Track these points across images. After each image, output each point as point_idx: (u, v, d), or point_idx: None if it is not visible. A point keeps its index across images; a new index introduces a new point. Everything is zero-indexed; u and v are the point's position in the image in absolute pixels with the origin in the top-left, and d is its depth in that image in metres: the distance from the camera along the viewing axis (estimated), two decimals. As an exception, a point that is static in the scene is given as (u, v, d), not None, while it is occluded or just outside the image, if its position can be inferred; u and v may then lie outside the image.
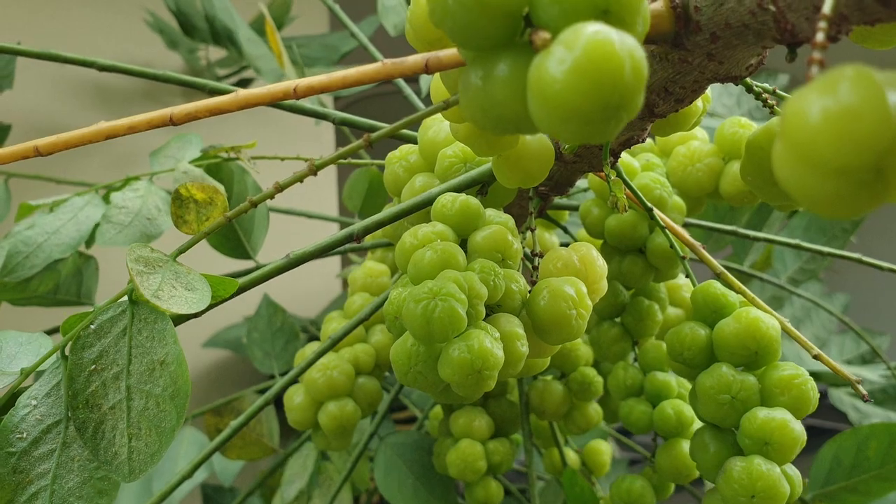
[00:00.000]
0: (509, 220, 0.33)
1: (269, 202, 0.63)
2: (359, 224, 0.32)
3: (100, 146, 0.98)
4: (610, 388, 0.47)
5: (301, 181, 0.25)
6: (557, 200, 0.51)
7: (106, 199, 0.50)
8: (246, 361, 1.11)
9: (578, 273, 0.33)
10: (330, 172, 1.25)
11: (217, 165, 0.52)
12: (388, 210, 0.33)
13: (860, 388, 0.34)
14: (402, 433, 0.55)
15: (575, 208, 0.50)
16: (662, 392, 0.44)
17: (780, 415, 0.32)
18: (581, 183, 0.53)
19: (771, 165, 0.25)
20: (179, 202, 0.27)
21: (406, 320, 0.28)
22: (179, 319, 0.32)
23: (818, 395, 0.34)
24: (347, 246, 0.56)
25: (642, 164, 0.46)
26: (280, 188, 0.26)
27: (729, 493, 0.32)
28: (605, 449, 0.59)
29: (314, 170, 0.24)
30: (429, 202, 0.33)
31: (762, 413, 0.33)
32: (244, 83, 1.12)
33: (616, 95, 0.16)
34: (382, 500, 1.20)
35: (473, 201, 0.32)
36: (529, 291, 0.32)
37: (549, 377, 0.52)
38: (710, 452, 0.35)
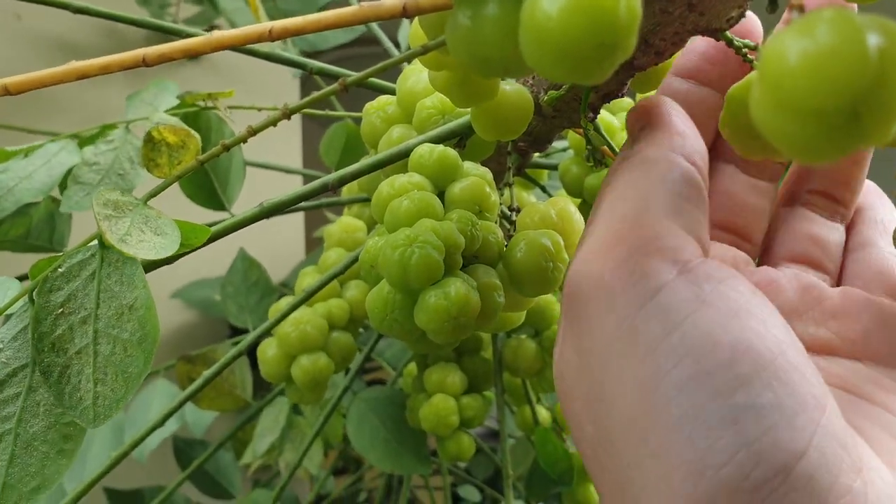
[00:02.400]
0: (487, 172, 0.33)
1: (245, 157, 0.63)
2: (334, 174, 0.32)
3: (75, 103, 0.96)
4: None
5: (275, 125, 0.24)
6: (536, 159, 0.51)
7: (81, 146, 0.49)
8: (221, 322, 1.10)
9: (555, 227, 0.33)
10: (295, 129, 1.24)
11: (195, 114, 0.51)
12: (365, 161, 0.33)
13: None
14: (376, 388, 0.56)
15: (554, 167, 0.50)
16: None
17: None
18: (561, 144, 0.52)
19: (749, 120, 0.25)
20: (151, 145, 0.27)
21: (382, 267, 0.28)
22: (151, 266, 0.31)
23: None
24: (324, 200, 0.56)
25: (622, 123, 0.46)
26: (253, 131, 0.25)
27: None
28: (576, 407, 0.60)
29: (287, 114, 0.24)
30: (406, 153, 0.33)
31: None
32: (214, 27, 1.10)
33: (611, 33, 0.16)
34: (349, 455, 1.21)
35: (451, 152, 0.31)
36: (506, 245, 0.32)
37: (523, 335, 0.52)
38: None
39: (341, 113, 0.56)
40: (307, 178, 1.11)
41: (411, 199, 0.29)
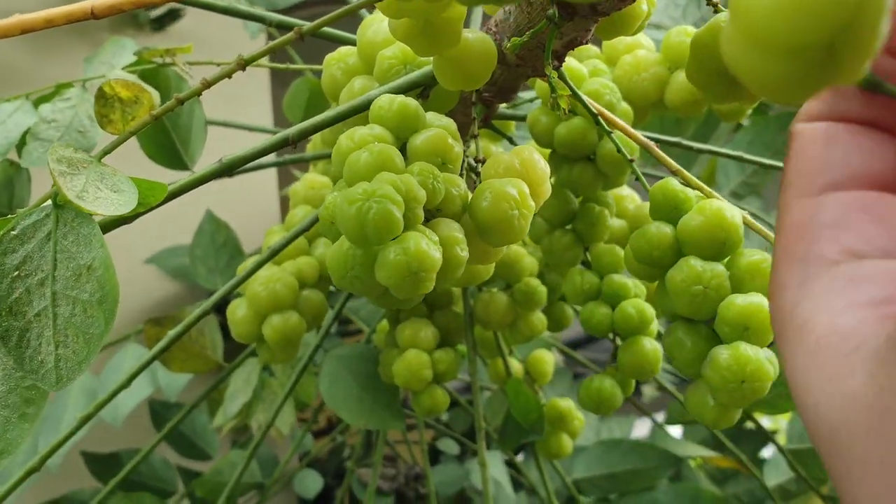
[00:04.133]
0: (451, 123, 0.32)
1: (208, 116, 0.61)
2: (294, 128, 0.31)
3: (32, 76, 0.93)
4: (566, 293, 0.47)
5: (229, 77, 0.24)
6: (503, 110, 0.50)
7: (36, 105, 0.48)
8: (199, 290, 1.09)
9: (521, 176, 0.32)
10: (264, 90, 1.22)
11: (153, 71, 0.50)
12: (325, 113, 0.32)
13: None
14: (348, 346, 0.55)
15: (522, 118, 0.49)
16: (621, 293, 0.45)
17: (756, 299, 0.33)
18: (528, 94, 0.52)
19: (716, 63, 0.25)
20: (104, 101, 0.26)
21: (340, 223, 0.27)
22: (109, 226, 0.31)
23: None
24: (288, 157, 0.55)
25: (590, 70, 0.45)
26: (208, 84, 0.24)
27: (718, 381, 0.33)
28: (547, 358, 0.60)
29: (243, 64, 0.23)
30: (367, 105, 0.32)
31: (739, 299, 0.33)
32: (174, 14, 1.07)
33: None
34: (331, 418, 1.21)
35: (412, 103, 0.31)
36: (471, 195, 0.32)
37: (494, 289, 0.52)
38: (687, 347, 0.35)
39: (302, 66, 0.55)
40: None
41: (370, 151, 0.29)
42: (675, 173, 0.37)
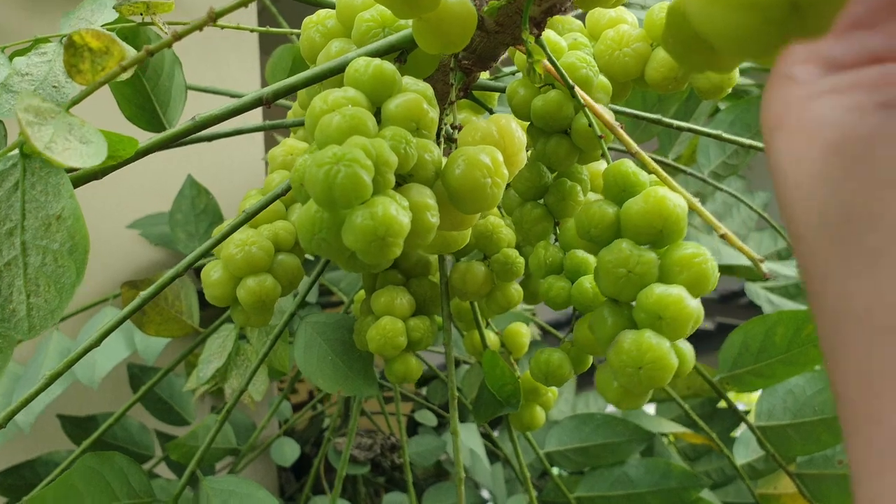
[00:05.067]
0: (427, 88, 0.32)
1: (195, 83, 0.61)
2: (269, 88, 0.31)
3: (17, 28, 0.92)
4: (531, 266, 0.47)
5: (200, 29, 0.24)
6: (485, 81, 0.50)
7: (11, 59, 0.48)
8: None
9: (497, 143, 0.32)
10: (252, 58, 1.21)
11: (132, 30, 0.49)
12: (301, 74, 0.32)
13: (762, 266, 0.35)
14: (323, 313, 0.55)
15: (503, 90, 0.49)
16: (581, 268, 0.45)
17: (676, 291, 0.33)
18: (512, 67, 0.52)
19: (691, 31, 0.25)
20: (73, 50, 0.26)
21: (309, 186, 0.27)
22: (79, 181, 0.31)
23: (717, 276, 0.34)
24: (268, 123, 0.55)
25: (570, 44, 0.45)
26: (178, 36, 0.24)
27: (618, 364, 0.33)
28: (524, 331, 0.60)
29: (213, 17, 0.23)
30: (344, 67, 0.32)
31: (658, 288, 0.33)
32: None
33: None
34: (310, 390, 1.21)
35: (388, 66, 0.31)
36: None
37: (471, 259, 0.53)
38: (607, 325, 0.35)
39: (285, 30, 0.54)
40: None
41: (342, 114, 0.29)
42: (633, 155, 0.37)
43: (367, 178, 0.27)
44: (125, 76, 0.43)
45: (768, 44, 0.15)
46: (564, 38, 0.45)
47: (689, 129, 0.54)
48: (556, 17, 0.49)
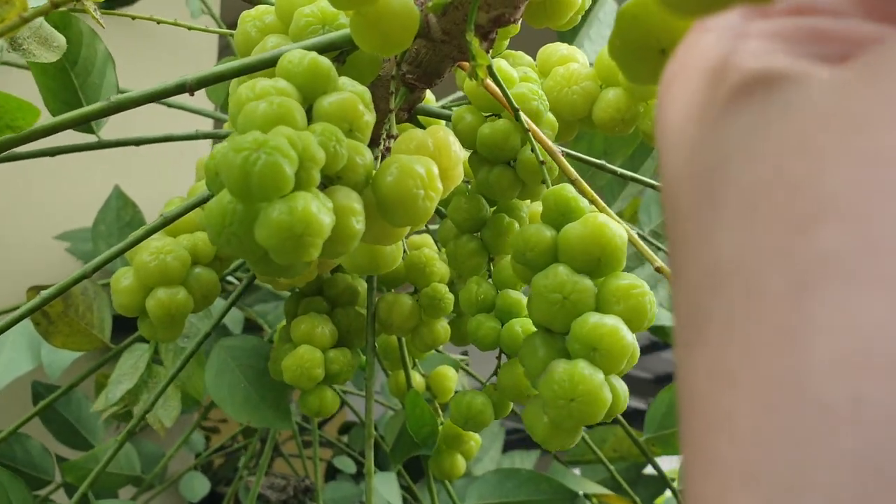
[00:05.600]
0: (365, 91, 0.30)
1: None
2: (193, 75, 0.29)
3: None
4: (461, 302, 0.45)
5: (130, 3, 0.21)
6: (430, 107, 0.49)
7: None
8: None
9: (432, 155, 0.31)
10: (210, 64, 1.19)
11: (66, 19, 0.47)
12: (229, 63, 0.30)
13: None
14: (240, 337, 0.53)
15: (448, 118, 0.48)
16: (513, 310, 0.43)
17: (612, 322, 0.31)
18: (458, 94, 0.51)
19: (640, 38, 0.24)
20: (-31, -4, 0.23)
21: (223, 172, 0.25)
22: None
23: (656, 310, 0.33)
24: (201, 132, 0.53)
25: (521, 76, 0.44)
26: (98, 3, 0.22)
27: (549, 395, 0.31)
28: (451, 375, 0.58)
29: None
30: (277, 60, 0.30)
31: (593, 318, 0.31)
32: None
33: None
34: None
35: (324, 60, 0.29)
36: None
37: (400, 292, 0.51)
38: (538, 356, 0.33)
39: (223, 31, 0.52)
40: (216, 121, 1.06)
41: (270, 102, 0.26)
42: (573, 182, 0.36)
43: (288, 169, 0.25)
44: (51, 57, 0.41)
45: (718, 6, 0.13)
46: (516, 70, 0.44)
47: (633, 179, 0.53)
48: (507, 52, 0.48)
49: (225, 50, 1.30)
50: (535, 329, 0.41)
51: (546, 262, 0.34)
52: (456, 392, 0.75)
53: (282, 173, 0.25)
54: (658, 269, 0.33)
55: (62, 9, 0.42)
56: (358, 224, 0.28)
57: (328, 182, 0.28)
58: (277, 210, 0.25)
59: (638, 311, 0.32)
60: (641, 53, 0.23)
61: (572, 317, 0.32)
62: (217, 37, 1.20)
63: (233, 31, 0.53)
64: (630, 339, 0.31)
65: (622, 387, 0.32)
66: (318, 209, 0.25)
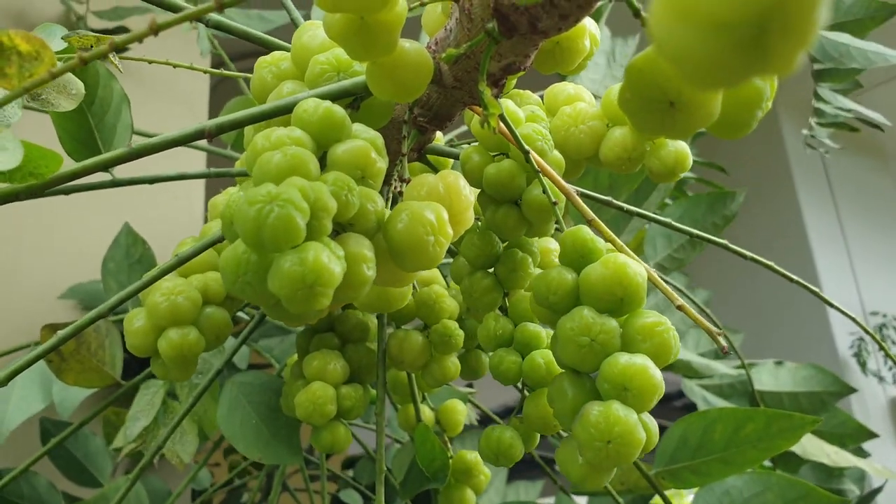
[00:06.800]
0: (378, 137, 0.31)
1: (143, 129, 0.59)
2: (212, 121, 0.30)
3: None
4: (480, 338, 0.46)
5: (141, 41, 0.22)
6: (439, 146, 0.50)
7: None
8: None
9: (443, 200, 0.31)
10: (202, 105, 1.21)
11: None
12: (247, 110, 0.31)
13: (720, 340, 0.34)
14: (251, 373, 0.53)
15: (457, 157, 0.49)
16: (532, 342, 0.43)
17: (641, 361, 0.32)
18: (463, 127, 0.51)
19: (649, 90, 0.25)
20: (0, 52, 0.24)
21: (238, 224, 0.25)
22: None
23: (679, 346, 0.33)
24: (213, 171, 0.53)
25: (527, 115, 0.45)
26: (117, 46, 0.23)
27: (585, 437, 0.31)
28: (460, 409, 0.58)
29: (156, 29, 0.22)
30: (292, 108, 0.31)
31: (623, 358, 0.32)
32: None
33: None
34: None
35: (338, 110, 0.29)
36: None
37: (410, 328, 0.51)
38: (568, 398, 0.33)
39: (236, 73, 0.53)
40: (210, 157, 1.08)
41: (284, 153, 0.27)
42: (590, 223, 0.37)
43: (300, 221, 0.25)
44: (69, 105, 0.42)
45: (731, 71, 0.14)
46: (523, 110, 0.45)
47: (639, 214, 0.54)
48: (515, 91, 0.49)
49: (217, 86, 1.31)
50: (559, 367, 0.42)
51: (569, 304, 0.34)
52: (469, 425, 0.76)
53: (293, 225, 0.25)
54: (679, 308, 0.34)
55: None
56: (369, 271, 0.28)
57: (340, 229, 0.29)
58: (289, 261, 0.25)
59: (664, 347, 0.32)
60: (650, 105, 0.23)
61: (600, 358, 0.32)
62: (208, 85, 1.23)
63: (246, 75, 0.54)
64: (659, 377, 0.32)
65: (653, 424, 0.33)
66: (329, 259, 0.26)
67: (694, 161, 0.86)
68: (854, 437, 0.88)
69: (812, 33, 0.13)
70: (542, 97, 0.50)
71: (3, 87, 0.24)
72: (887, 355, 0.67)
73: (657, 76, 0.23)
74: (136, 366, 0.66)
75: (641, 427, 0.31)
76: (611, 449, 0.31)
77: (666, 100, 0.23)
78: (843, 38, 0.84)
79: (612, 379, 0.32)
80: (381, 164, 0.30)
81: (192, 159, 1.11)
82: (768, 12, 0.13)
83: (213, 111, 1.21)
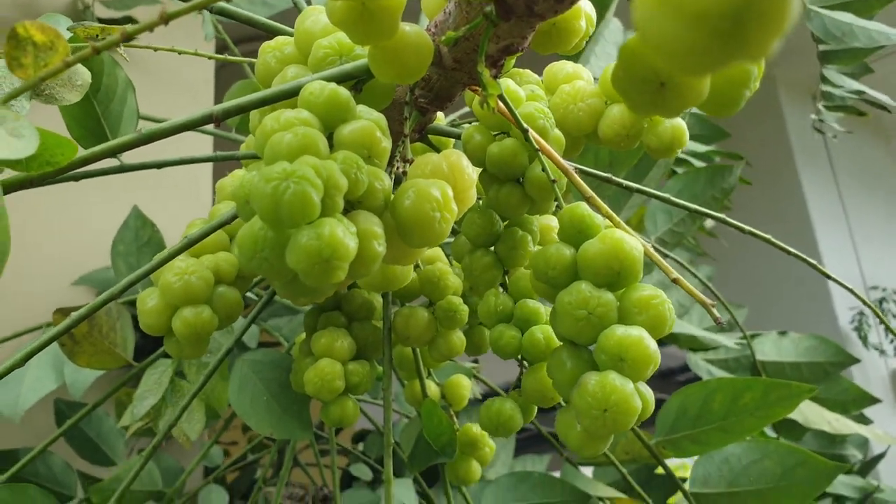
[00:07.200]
0: (381, 118, 0.32)
1: (149, 113, 0.60)
2: (219, 106, 0.31)
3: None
4: (480, 314, 0.47)
5: (151, 30, 0.23)
6: (440, 126, 0.51)
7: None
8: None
9: (447, 178, 0.32)
10: (208, 90, 1.22)
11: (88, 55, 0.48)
12: (254, 94, 0.31)
13: (714, 311, 0.35)
14: (261, 351, 0.54)
15: (458, 137, 0.49)
16: (531, 318, 0.45)
17: (637, 332, 0.33)
18: (464, 109, 0.52)
19: (641, 70, 0.25)
20: (15, 43, 0.25)
21: (254, 201, 0.26)
22: (12, 187, 0.30)
23: (675, 318, 0.34)
24: (219, 154, 0.54)
25: (528, 95, 0.46)
26: (128, 35, 0.24)
27: (583, 406, 0.32)
28: (465, 383, 0.60)
29: (165, 18, 0.23)
30: (297, 91, 0.32)
31: (619, 330, 0.33)
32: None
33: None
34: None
35: (343, 91, 0.30)
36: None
37: (416, 305, 0.52)
38: (566, 369, 0.35)
39: (240, 59, 0.54)
40: (217, 140, 1.08)
41: (294, 133, 0.28)
42: (588, 199, 0.38)
43: (315, 197, 0.26)
44: (76, 97, 0.43)
45: (709, 59, 0.15)
46: (523, 89, 0.46)
47: (639, 191, 0.55)
48: (515, 70, 0.49)
49: (221, 69, 1.32)
50: (558, 341, 0.43)
51: (567, 279, 0.35)
52: (474, 399, 0.77)
53: (310, 201, 0.26)
54: (675, 281, 0.35)
55: (86, 45, 0.44)
56: (379, 247, 0.29)
57: (350, 207, 0.30)
58: (306, 236, 0.26)
59: (659, 319, 0.33)
60: (642, 86, 0.24)
61: (598, 330, 0.34)
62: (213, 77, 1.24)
63: (250, 60, 0.55)
64: (654, 348, 0.33)
65: (649, 392, 0.34)
66: (344, 234, 0.27)
67: (700, 150, 0.87)
68: (856, 403, 0.89)
69: (787, 21, 0.14)
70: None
71: (20, 77, 0.25)
72: (887, 328, 0.68)
73: (649, 58, 0.23)
74: (148, 347, 0.68)
75: (637, 396, 0.32)
76: (607, 417, 0.32)
77: (657, 80, 0.24)
78: (847, 17, 0.84)
79: (609, 350, 0.33)
80: (386, 143, 0.31)
81: (199, 144, 1.12)
82: (745, 2, 0.14)
83: (219, 93, 1.22)
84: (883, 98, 0.97)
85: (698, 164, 0.99)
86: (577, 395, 0.33)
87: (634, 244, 0.34)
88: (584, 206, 0.36)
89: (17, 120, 0.24)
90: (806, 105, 3.22)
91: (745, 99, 0.26)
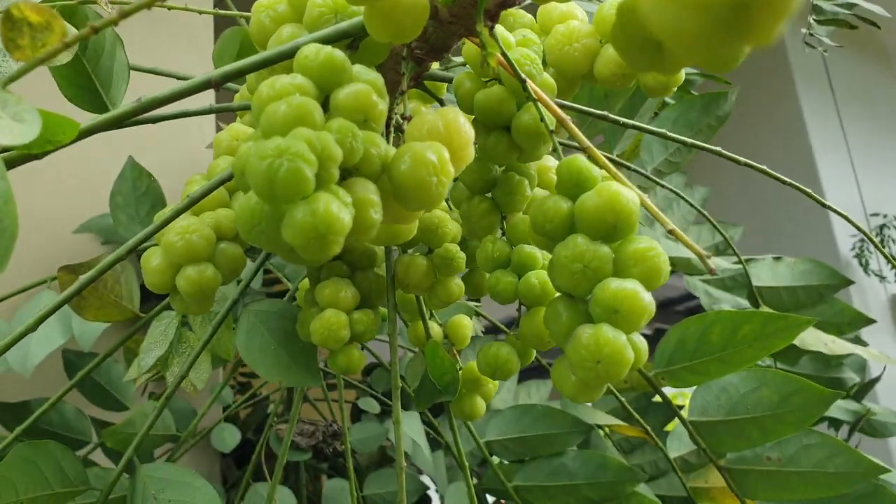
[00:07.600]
0: (378, 78, 0.32)
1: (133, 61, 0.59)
2: (217, 70, 0.31)
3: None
4: (478, 260, 0.47)
5: (148, 8, 0.23)
6: (436, 71, 0.50)
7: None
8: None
9: (443, 138, 0.32)
10: (207, 44, 1.19)
11: (70, 8, 0.48)
12: (250, 58, 0.31)
13: (708, 262, 0.35)
14: (267, 301, 0.55)
15: (452, 80, 0.49)
16: (528, 264, 0.45)
17: (631, 285, 0.33)
18: (461, 58, 0.51)
19: (639, 29, 0.25)
20: (11, 24, 0.25)
21: (250, 178, 0.27)
22: (14, 162, 0.30)
23: (669, 269, 0.35)
24: (214, 106, 0.54)
25: (518, 40, 0.45)
26: (124, 14, 0.24)
27: (576, 358, 0.33)
28: (466, 323, 0.61)
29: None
30: (294, 52, 0.32)
31: (614, 283, 0.33)
32: None
33: None
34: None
35: (339, 54, 0.30)
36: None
37: (414, 252, 0.53)
38: (562, 321, 0.35)
39: (234, 13, 0.53)
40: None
41: (289, 104, 0.28)
42: (585, 150, 0.38)
43: (309, 173, 0.27)
44: (66, 58, 0.42)
45: (715, 44, 0.15)
46: (514, 35, 0.45)
47: (635, 127, 0.55)
48: (508, 11, 0.49)
49: (220, 5, 1.29)
50: (555, 290, 0.44)
51: (564, 232, 0.36)
52: (474, 339, 0.78)
53: (303, 177, 0.26)
54: (671, 232, 0.35)
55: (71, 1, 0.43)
56: (376, 214, 0.30)
57: (346, 174, 0.30)
58: (301, 212, 0.27)
59: (654, 272, 0.34)
60: (640, 44, 0.24)
61: (593, 283, 0.34)
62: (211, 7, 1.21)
63: (244, 14, 0.54)
64: (648, 300, 0.33)
65: (642, 343, 0.35)
66: (339, 209, 0.27)
67: (697, 74, 0.85)
68: (852, 324, 0.90)
69: (792, 5, 0.14)
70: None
71: (19, 59, 0.25)
72: (886, 258, 0.69)
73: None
74: (154, 296, 0.68)
75: (630, 347, 0.33)
76: (600, 368, 0.33)
77: (655, 40, 0.24)
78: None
79: (604, 303, 0.33)
80: (383, 105, 0.31)
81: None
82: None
83: (218, 31, 1.21)
84: (874, 8, 0.95)
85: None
86: (571, 347, 0.34)
87: (630, 196, 0.34)
88: (581, 158, 0.36)
89: (19, 103, 0.24)
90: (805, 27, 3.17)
91: (744, 55, 0.26)
